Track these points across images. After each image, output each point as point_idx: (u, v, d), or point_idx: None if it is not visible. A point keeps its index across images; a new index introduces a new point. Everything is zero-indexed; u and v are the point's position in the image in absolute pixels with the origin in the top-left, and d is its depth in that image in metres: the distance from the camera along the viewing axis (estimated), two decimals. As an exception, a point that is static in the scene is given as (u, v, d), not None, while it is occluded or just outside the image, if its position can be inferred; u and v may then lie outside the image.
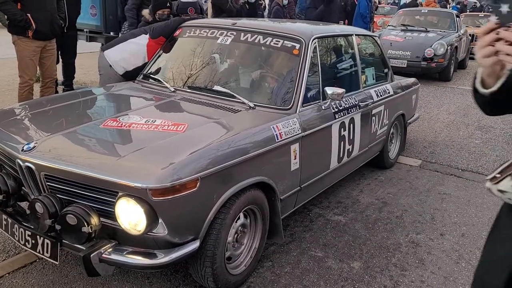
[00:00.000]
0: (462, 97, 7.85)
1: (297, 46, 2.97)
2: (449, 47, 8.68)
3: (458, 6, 18.36)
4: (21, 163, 2.15)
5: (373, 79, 3.91)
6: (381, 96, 3.82)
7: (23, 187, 2.28)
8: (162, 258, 2.02)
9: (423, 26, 9.61)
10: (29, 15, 4.17)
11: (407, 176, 4.24)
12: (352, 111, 3.30)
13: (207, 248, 2.18)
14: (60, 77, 5.75)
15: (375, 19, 11.55)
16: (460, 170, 4.45)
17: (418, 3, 13.63)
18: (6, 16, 4.19)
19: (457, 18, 10.05)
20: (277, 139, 2.53)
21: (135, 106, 2.90)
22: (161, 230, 2.00)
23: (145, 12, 4.49)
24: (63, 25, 4.70)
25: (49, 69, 4.63)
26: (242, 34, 3.15)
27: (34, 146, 2.17)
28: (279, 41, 3.03)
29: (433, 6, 13.59)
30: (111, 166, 2.04)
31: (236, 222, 2.37)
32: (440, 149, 5.08)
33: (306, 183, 2.89)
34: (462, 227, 3.30)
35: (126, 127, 2.41)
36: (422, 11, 11.03)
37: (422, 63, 8.57)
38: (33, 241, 2.16)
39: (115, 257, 2.02)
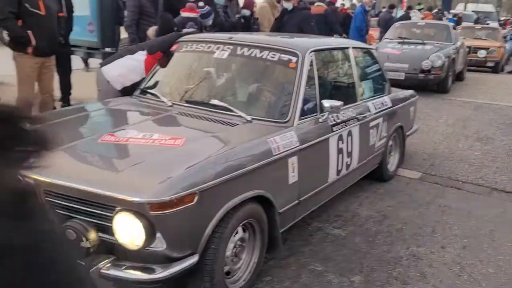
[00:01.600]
0: (460, 109, 7.88)
1: (294, 59, 2.99)
2: (446, 59, 8.73)
3: (455, 19, 18.54)
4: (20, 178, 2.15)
5: (371, 91, 3.92)
6: (379, 108, 3.83)
7: (20, 203, 2.27)
8: (161, 273, 2.01)
9: (419, 39, 9.68)
10: (29, 32, 4.21)
11: (406, 189, 4.23)
12: (350, 123, 3.31)
13: (206, 262, 2.17)
14: (57, 93, 5.78)
15: (371, 32, 11.65)
16: (460, 182, 4.44)
17: (416, 16, 13.77)
18: (7, 33, 4.22)
19: (454, 30, 10.14)
20: (275, 152, 2.53)
21: (132, 121, 2.91)
22: (159, 245, 1.99)
23: (151, 33, 4.48)
24: (62, 42, 4.74)
25: (47, 85, 4.66)
26: (239, 48, 3.17)
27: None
28: (275, 55, 3.05)
29: (430, 19, 13.74)
30: (109, 180, 2.04)
31: (234, 236, 2.36)
32: (440, 161, 5.07)
33: (305, 196, 2.88)
34: (463, 240, 3.28)
35: (124, 141, 2.41)
36: (419, 23, 11.13)
37: (419, 75, 8.60)
38: (30, 258, 2.14)
39: (113, 272, 2.01)
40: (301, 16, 6.40)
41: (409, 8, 14.46)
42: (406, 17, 12.67)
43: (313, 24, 6.61)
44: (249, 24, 6.92)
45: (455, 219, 3.61)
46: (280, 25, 6.30)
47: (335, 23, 8.49)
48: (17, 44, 4.29)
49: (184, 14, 5.10)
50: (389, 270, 2.83)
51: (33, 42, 4.25)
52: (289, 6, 6.16)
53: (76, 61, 6.13)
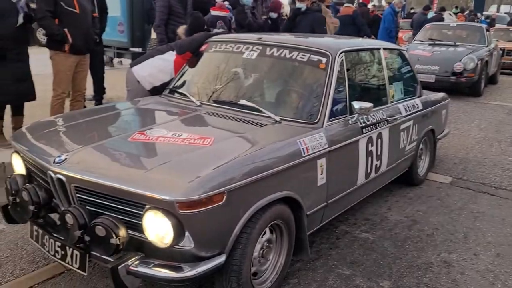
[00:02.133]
0: (493, 112, 7.65)
1: (324, 60, 2.96)
2: (479, 62, 8.49)
3: (488, 21, 18.05)
4: (52, 175, 2.20)
5: (402, 93, 3.84)
6: (409, 111, 3.75)
7: (53, 199, 2.32)
8: (188, 272, 2.01)
9: (451, 40, 9.46)
10: (65, 30, 4.32)
11: (437, 194, 4.13)
12: (380, 126, 3.25)
13: (233, 262, 2.16)
14: (90, 91, 5.91)
15: (400, 34, 11.44)
16: (493, 188, 4.30)
17: (451, 19, 13.42)
18: (44, 32, 4.35)
19: (487, 32, 9.86)
20: (304, 154, 2.50)
21: (161, 120, 2.94)
22: (187, 244, 1.99)
23: (181, 31, 4.51)
24: (97, 41, 4.82)
25: (79, 83, 4.77)
26: (268, 48, 3.16)
27: (65, 159, 2.21)
28: (305, 55, 3.02)
29: (461, 21, 13.41)
30: (139, 178, 2.05)
31: (262, 237, 2.35)
32: (472, 166, 4.93)
33: (333, 198, 2.84)
34: (497, 247, 3.17)
35: (153, 140, 2.43)
36: (451, 25, 10.86)
37: (451, 77, 8.40)
38: (63, 252, 2.18)
39: (142, 269, 2.02)
40: (314, 17, 6.15)
41: (442, 9, 14.09)
42: (439, 18, 12.36)
43: (325, 28, 6.40)
44: (276, 26, 6.90)
45: (488, 225, 3.50)
46: (292, 26, 5.99)
47: (363, 24, 8.37)
48: (54, 43, 4.41)
49: (214, 12, 5.12)
50: (419, 276, 2.76)
51: (70, 40, 4.35)
52: (302, 6, 5.94)
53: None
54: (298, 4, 5.87)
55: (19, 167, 2.61)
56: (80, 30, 4.44)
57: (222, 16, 5.12)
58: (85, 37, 4.53)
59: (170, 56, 3.72)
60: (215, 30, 4.23)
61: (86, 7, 4.57)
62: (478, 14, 18.27)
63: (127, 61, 6.37)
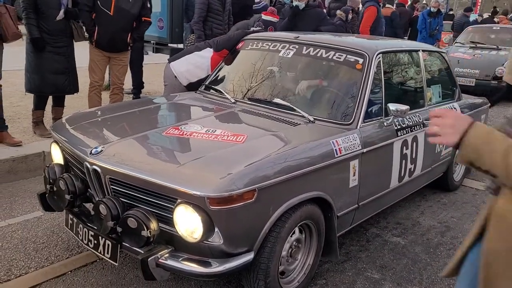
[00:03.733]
0: (536, 119, 7.33)
1: (361, 60, 2.92)
2: (523, 66, 8.16)
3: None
4: (88, 165, 2.26)
5: (439, 96, 3.74)
6: (447, 114, 3.64)
7: (89, 189, 2.39)
8: (217, 267, 2.03)
9: (494, 44, 9.13)
10: (96, 26, 4.51)
11: (473, 200, 4.00)
12: (415, 129, 3.17)
13: (261, 260, 2.17)
14: (130, 85, 6.05)
15: (442, 36, 11.10)
16: (533, 197, 4.13)
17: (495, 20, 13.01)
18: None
19: (533, 36, 9.47)
20: (336, 154, 2.48)
21: (196, 116, 2.97)
22: (216, 239, 2.01)
23: None
24: (131, 44, 4.78)
25: (114, 77, 4.91)
26: (305, 47, 3.14)
27: (101, 150, 2.27)
28: (342, 55, 2.99)
29: (504, 23, 12.91)
30: (171, 173, 2.08)
31: (291, 236, 2.34)
32: (511, 173, 4.74)
33: (365, 201, 2.80)
34: (535, 259, 3.04)
35: (187, 135, 2.46)
36: (494, 28, 10.48)
37: (492, 82, 8.12)
38: (95, 242, 2.24)
39: (171, 262, 2.05)
40: (316, 14, 5.62)
41: (495, 12, 13.69)
42: (491, 22, 11.96)
43: (330, 20, 5.92)
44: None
45: (527, 237, 3.36)
46: (292, 26, 5.50)
47: (400, 26, 8.20)
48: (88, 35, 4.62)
49: (265, 17, 5.06)
50: (451, 285, 2.68)
51: (94, 36, 4.53)
52: (301, 4, 5.55)
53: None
54: (296, 3, 5.52)
55: (57, 156, 2.70)
56: (109, 31, 4.51)
57: (273, 21, 5.06)
58: (111, 38, 4.55)
59: (207, 53, 3.75)
60: (252, 29, 4.24)
61: (127, 11, 4.54)
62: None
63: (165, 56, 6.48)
